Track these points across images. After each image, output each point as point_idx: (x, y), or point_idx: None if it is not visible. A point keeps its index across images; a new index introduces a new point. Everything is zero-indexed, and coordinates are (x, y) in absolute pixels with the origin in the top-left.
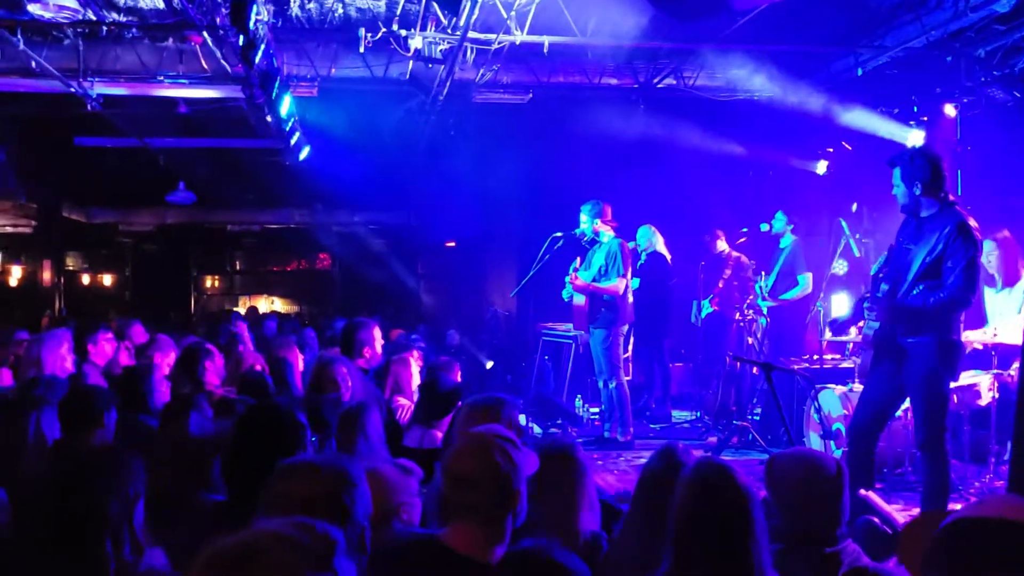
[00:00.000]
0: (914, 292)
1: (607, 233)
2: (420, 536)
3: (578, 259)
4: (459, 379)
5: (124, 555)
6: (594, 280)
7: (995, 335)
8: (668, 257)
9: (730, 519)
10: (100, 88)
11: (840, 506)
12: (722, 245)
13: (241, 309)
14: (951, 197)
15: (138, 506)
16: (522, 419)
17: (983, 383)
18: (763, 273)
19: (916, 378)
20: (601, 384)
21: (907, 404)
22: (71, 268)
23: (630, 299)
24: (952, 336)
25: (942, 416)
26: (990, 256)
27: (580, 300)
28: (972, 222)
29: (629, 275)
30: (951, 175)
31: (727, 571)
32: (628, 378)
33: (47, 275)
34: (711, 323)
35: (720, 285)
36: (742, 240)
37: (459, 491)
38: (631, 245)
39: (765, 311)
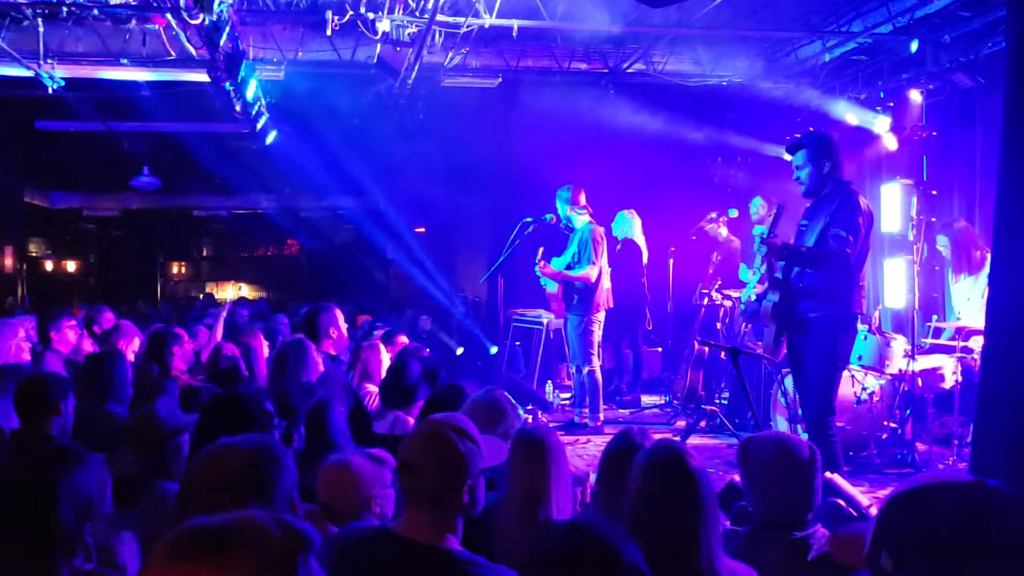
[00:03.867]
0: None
1: (580, 219)
2: (371, 528)
3: (541, 249)
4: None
5: (75, 563)
6: (567, 267)
7: (959, 319)
8: (643, 244)
9: (679, 500)
10: (61, 71)
11: (812, 490)
12: (723, 230)
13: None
14: (845, 178)
15: (101, 504)
16: None
17: (947, 367)
18: (743, 264)
19: (812, 353)
20: (574, 369)
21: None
22: (34, 254)
23: (606, 285)
24: (853, 310)
25: (829, 392)
26: (946, 248)
27: (553, 288)
28: (861, 198)
29: (604, 261)
30: (917, 160)
31: (676, 550)
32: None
33: (9, 261)
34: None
35: (711, 271)
36: (712, 225)
37: (406, 477)
38: (602, 230)
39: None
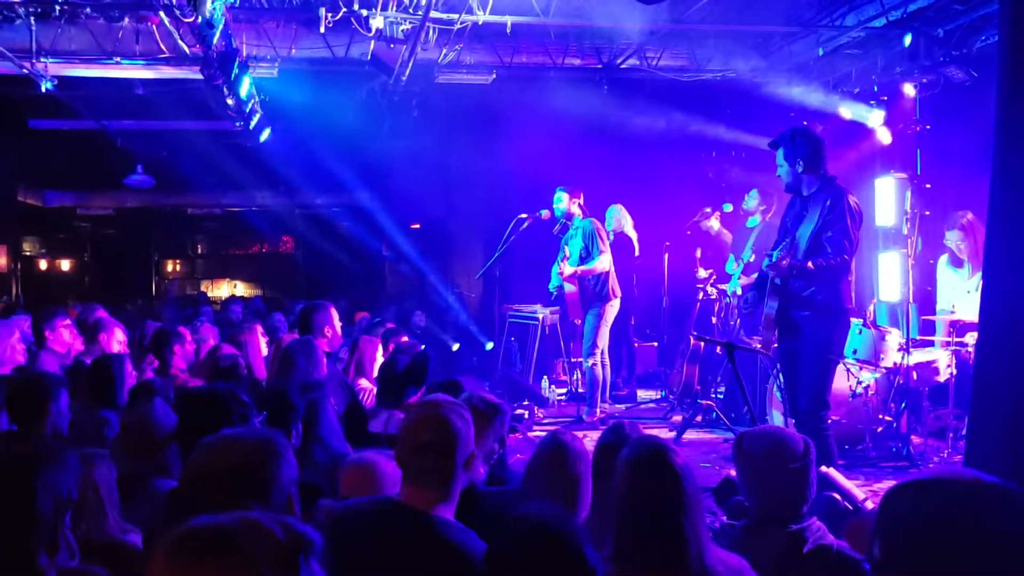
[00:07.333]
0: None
1: (577, 216)
2: (373, 499)
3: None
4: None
5: (57, 558)
6: (580, 265)
7: (953, 312)
8: (635, 238)
9: (662, 498)
10: (54, 69)
11: (806, 484)
12: (715, 223)
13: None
14: (831, 174)
15: (109, 500)
16: None
17: (942, 360)
18: (732, 255)
19: (807, 349)
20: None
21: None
22: (28, 253)
23: (613, 271)
24: (843, 304)
25: (824, 386)
26: (960, 244)
27: (571, 289)
28: (851, 197)
29: (608, 249)
30: (911, 154)
31: (662, 548)
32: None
33: (3, 261)
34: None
35: (698, 265)
36: (706, 221)
37: (424, 458)
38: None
39: (740, 291)
